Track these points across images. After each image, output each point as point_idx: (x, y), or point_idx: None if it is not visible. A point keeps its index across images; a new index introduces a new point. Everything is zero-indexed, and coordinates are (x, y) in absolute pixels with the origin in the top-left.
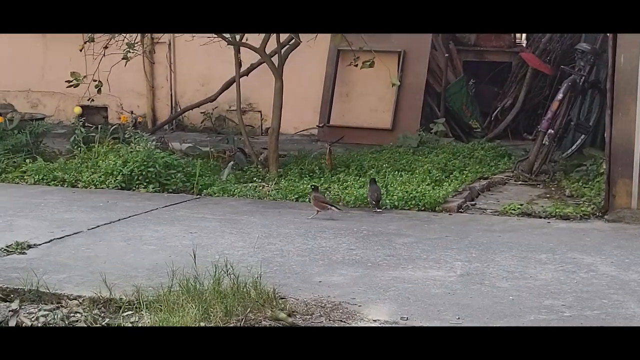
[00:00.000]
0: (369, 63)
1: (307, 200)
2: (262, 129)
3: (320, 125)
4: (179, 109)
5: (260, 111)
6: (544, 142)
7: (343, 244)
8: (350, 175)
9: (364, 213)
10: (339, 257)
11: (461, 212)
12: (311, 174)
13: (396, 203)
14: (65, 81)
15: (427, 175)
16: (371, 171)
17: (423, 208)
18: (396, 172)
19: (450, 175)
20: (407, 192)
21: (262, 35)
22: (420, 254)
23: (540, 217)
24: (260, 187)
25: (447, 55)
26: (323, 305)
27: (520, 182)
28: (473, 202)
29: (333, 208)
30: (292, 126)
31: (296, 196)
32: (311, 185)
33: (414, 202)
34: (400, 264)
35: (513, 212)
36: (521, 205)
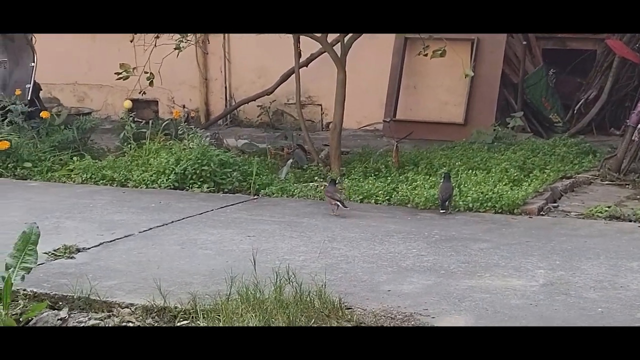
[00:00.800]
0: (439, 52)
1: (373, 201)
2: (323, 124)
3: (386, 119)
4: (234, 103)
5: (320, 105)
6: (633, 138)
7: (413, 249)
8: (420, 175)
9: (435, 216)
10: (408, 264)
11: (542, 215)
12: (376, 173)
13: (470, 205)
14: (115, 73)
15: (504, 174)
16: (442, 170)
17: (500, 210)
18: (470, 170)
19: (530, 175)
20: (482, 192)
21: None
22: (498, 261)
23: (630, 221)
24: (322, 187)
25: (524, 43)
26: (393, 316)
27: (607, 182)
28: (555, 204)
29: (338, 204)
30: (355, 121)
31: (361, 197)
32: (329, 178)
33: (490, 203)
34: (476, 272)
35: (600, 215)
36: (609, 207)
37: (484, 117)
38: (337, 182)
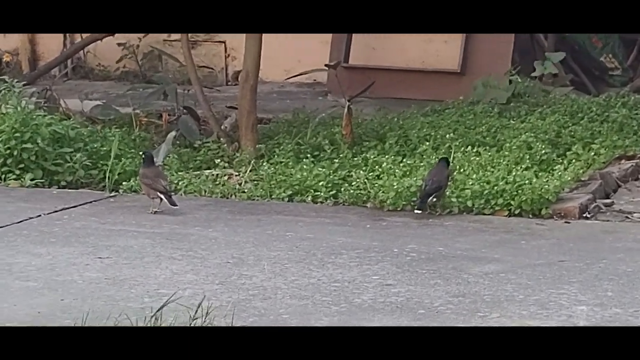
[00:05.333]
0: None
1: (310, 199)
2: (229, 73)
3: (332, 64)
4: (79, 39)
5: (224, 42)
6: None
7: (374, 275)
8: (387, 155)
9: (411, 221)
10: (366, 299)
11: (587, 218)
12: (316, 153)
13: (469, 203)
14: None
15: (524, 152)
16: (424, 146)
17: (518, 212)
18: (469, 147)
19: (567, 154)
20: (488, 182)
21: None
22: (512, 293)
23: None
24: (225, 177)
25: None
26: None
27: None
28: (608, 201)
29: (163, 197)
30: (282, 68)
31: (289, 192)
32: (142, 152)
33: (501, 200)
34: (477, 311)
35: None
36: None
37: (493, 60)
38: (156, 159)
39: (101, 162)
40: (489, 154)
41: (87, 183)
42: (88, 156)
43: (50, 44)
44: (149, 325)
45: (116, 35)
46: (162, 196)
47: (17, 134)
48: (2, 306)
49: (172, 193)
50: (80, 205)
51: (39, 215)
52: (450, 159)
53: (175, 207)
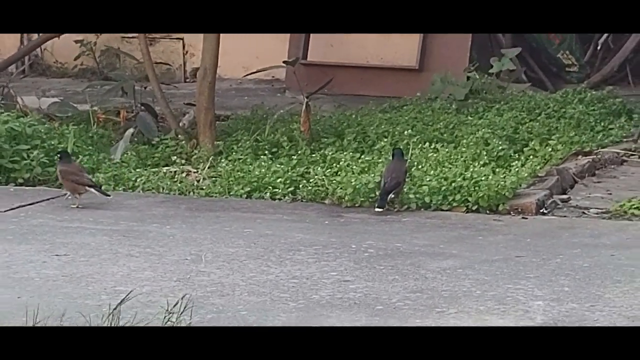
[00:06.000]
0: None
1: (268, 195)
2: (187, 70)
3: (290, 61)
4: (36, 37)
5: (182, 39)
6: None
7: (332, 271)
8: (345, 152)
9: (370, 218)
10: (324, 296)
11: (544, 213)
12: (274, 150)
13: (427, 199)
14: None
15: (482, 149)
16: (382, 142)
17: (475, 208)
18: (427, 144)
19: (524, 150)
20: (446, 179)
21: None
22: (470, 288)
23: None
24: (183, 174)
25: None
26: None
27: None
28: (565, 197)
29: (93, 190)
30: (241, 65)
31: (248, 189)
32: (57, 153)
33: (458, 196)
34: (434, 307)
35: (637, 212)
36: None
37: (451, 56)
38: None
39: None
40: (447, 150)
41: (44, 180)
42: (45, 153)
43: (7, 41)
44: (106, 323)
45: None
46: (91, 189)
47: None
48: None
49: (100, 185)
50: (37, 202)
51: None
52: (408, 156)
53: (108, 196)
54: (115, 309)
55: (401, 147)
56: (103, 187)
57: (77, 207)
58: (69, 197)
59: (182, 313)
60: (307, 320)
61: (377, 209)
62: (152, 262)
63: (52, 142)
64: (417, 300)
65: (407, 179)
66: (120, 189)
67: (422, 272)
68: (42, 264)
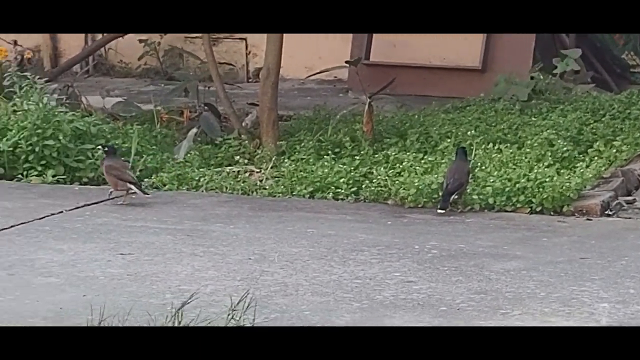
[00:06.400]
0: None
1: (331, 195)
2: (250, 70)
3: (353, 61)
4: (100, 37)
5: (244, 39)
6: None
7: (395, 272)
8: (408, 152)
9: (432, 219)
10: (387, 296)
11: (609, 215)
12: (337, 150)
13: (491, 200)
14: None
15: (546, 150)
16: (445, 143)
17: (539, 209)
18: (490, 145)
19: (589, 151)
20: (509, 180)
21: None
22: (535, 290)
23: None
24: (247, 174)
25: None
26: None
27: None
28: (630, 198)
29: (134, 188)
30: (303, 65)
31: (311, 189)
32: (101, 146)
33: (522, 198)
34: (498, 308)
35: None
36: None
37: (515, 57)
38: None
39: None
40: (511, 151)
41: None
42: None
43: (72, 41)
44: (170, 323)
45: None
46: (132, 186)
47: (39, 131)
48: (24, 302)
49: (141, 183)
50: (102, 201)
51: (61, 212)
52: (472, 156)
53: (147, 196)
54: (179, 309)
55: (462, 146)
56: (166, 187)
57: (124, 203)
58: (112, 194)
59: (245, 312)
60: (370, 320)
61: (439, 211)
62: (215, 262)
63: (117, 142)
64: (481, 301)
65: (470, 180)
66: (184, 188)
67: (485, 274)
68: (107, 263)
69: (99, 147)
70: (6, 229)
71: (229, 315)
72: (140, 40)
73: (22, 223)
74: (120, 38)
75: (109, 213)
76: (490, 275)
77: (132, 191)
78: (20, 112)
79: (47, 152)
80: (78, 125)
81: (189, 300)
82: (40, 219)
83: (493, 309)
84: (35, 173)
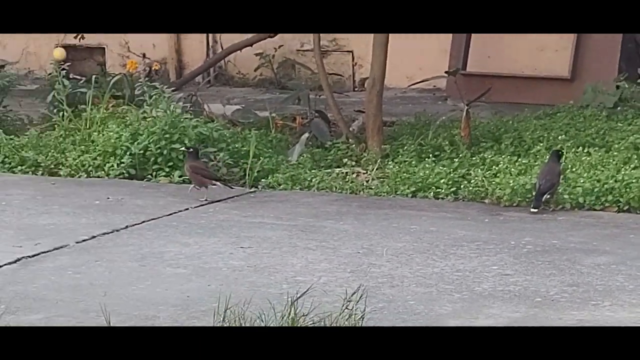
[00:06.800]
0: None
1: (432, 195)
2: (355, 80)
3: (451, 71)
4: (220, 50)
5: (351, 52)
6: None
7: (493, 265)
8: (503, 155)
9: (526, 216)
10: (486, 288)
11: None
12: (437, 153)
13: (581, 199)
14: None
15: (632, 153)
16: (538, 147)
17: (626, 208)
18: (580, 148)
19: None
20: (598, 181)
21: None
22: (624, 283)
23: None
24: (354, 175)
25: None
26: None
27: None
28: None
29: (218, 184)
30: (404, 75)
31: (413, 189)
32: (185, 147)
33: (610, 197)
34: (589, 300)
35: None
36: None
37: (601, 67)
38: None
39: (242, 160)
40: (599, 154)
41: (229, 180)
42: (230, 155)
43: (195, 54)
44: (287, 311)
45: (254, 45)
46: (217, 183)
47: (167, 135)
48: (155, 290)
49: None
50: (223, 200)
51: (187, 209)
52: (562, 159)
53: (232, 189)
54: (297, 299)
55: (557, 149)
56: (281, 187)
57: (206, 200)
58: (195, 190)
59: (358, 302)
60: (470, 310)
61: (532, 210)
62: (327, 255)
63: (236, 145)
64: (573, 293)
65: (561, 181)
66: (297, 188)
67: (577, 267)
68: (229, 255)
69: (184, 148)
70: (138, 224)
71: (343, 305)
72: (257, 54)
73: (152, 219)
74: (239, 51)
75: (230, 210)
76: (582, 269)
77: (219, 187)
78: (149, 119)
79: (174, 155)
80: (202, 130)
81: (306, 291)
82: (168, 215)
83: (584, 300)
84: (164, 174)
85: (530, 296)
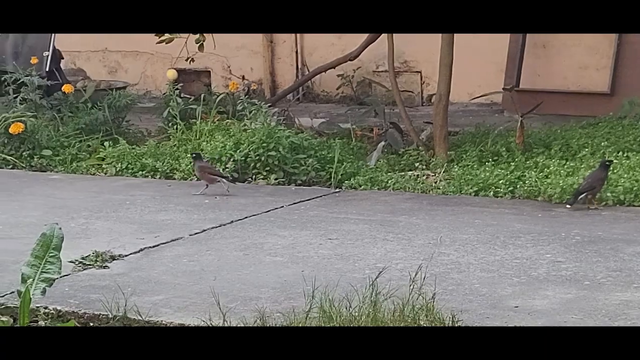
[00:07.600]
0: None
1: (492, 194)
2: (424, 96)
3: (507, 88)
4: (307, 72)
5: (420, 72)
6: None
7: (546, 254)
8: (553, 159)
9: (574, 212)
10: (541, 273)
11: None
12: (495, 158)
13: (622, 197)
14: (155, 35)
15: None
16: (583, 152)
17: None
18: (620, 153)
19: None
20: (637, 180)
21: None
22: None
23: None
24: (424, 177)
25: None
26: None
27: None
28: None
29: (223, 180)
30: (466, 92)
31: (475, 189)
32: (191, 153)
33: None
34: (632, 283)
35: None
36: None
37: (637, 83)
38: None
39: (327, 165)
40: (637, 157)
41: (317, 182)
42: (317, 161)
43: (286, 75)
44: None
45: (336, 67)
46: (223, 180)
47: (264, 144)
48: (257, 275)
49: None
50: (312, 198)
51: (282, 207)
52: (609, 168)
53: (235, 185)
54: (374, 280)
55: (599, 156)
56: (362, 187)
57: (215, 197)
58: (205, 189)
59: (429, 285)
60: (528, 292)
61: (567, 206)
62: (403, 245)
63: (322, 152)
64: (617, 277)
65: (604, 185)
66: (375, 188)
67: (620, 255)
68: (318, 246)
69: (190, 154)
70: (241, 219)
71: (410, 285)
72: (338, 75)
73: (253, 215)
74: (323, 73)
75: (318, 207)
76: (624, 257)
77: (224, 182)
78: (249, 130)
79: (271, 161)
80: (294, 140)
81: (380, 272)
82: (266, 212)
83: (627, 283)
84: (262, 177)
85: (580, 280)
